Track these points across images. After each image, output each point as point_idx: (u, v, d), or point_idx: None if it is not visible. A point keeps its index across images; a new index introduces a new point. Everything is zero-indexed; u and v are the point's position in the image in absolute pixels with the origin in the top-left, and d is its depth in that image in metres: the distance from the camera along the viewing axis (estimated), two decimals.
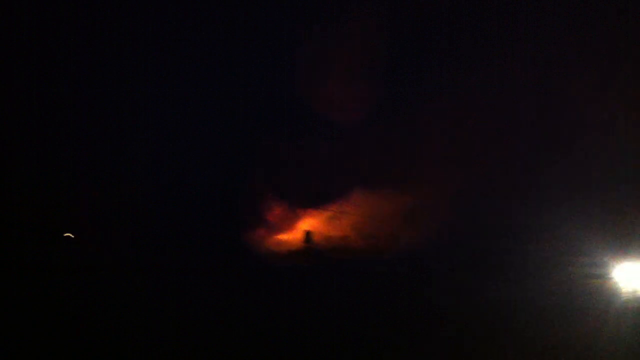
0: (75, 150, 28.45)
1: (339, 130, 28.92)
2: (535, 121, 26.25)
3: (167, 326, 11.28)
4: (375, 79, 28.55)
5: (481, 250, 22.12)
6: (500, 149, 25.68)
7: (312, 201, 29.07)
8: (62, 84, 28.73)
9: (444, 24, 28.39)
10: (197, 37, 30.72)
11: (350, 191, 28.24)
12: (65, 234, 25.78)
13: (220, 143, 29.05)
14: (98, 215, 27.74)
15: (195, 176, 28.34)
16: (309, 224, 28.74)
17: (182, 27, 30.48)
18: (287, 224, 28.90)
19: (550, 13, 25.95)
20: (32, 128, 27.60)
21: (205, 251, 24.49)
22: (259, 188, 28.39)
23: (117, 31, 29.57)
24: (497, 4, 27.17)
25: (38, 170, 27.08)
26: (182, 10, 30.64)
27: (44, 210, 25.98)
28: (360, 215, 27.62)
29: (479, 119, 26.48)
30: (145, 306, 13.81)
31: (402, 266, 22.05)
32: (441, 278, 19.54)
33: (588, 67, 24.38)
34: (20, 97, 27.62)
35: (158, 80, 29.64)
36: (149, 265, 22.44)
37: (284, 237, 28.62)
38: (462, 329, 10.99)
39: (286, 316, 12.35)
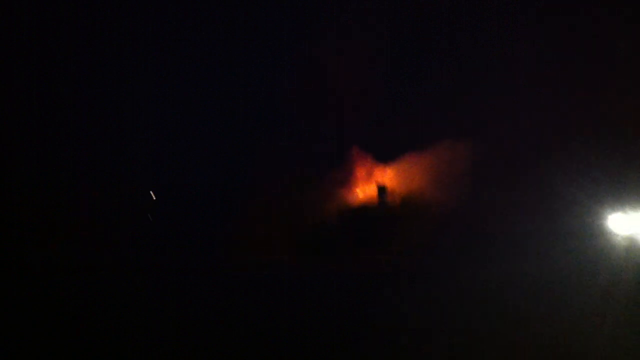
0: (75, 150, 28.45)
1: None
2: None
3: (167, 326, 11.29)
4: (376, 78, 28.53)
5: (475, 201, 22.01)
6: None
7: (383, 155, 28.59)
8: (62, 84, 28.76)
9: (443, 24, 28.37)
10: (197, 37, 30.74)
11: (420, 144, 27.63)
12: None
13: (221, 142, 29.03)
14: (98, 214, 27.75)
15: (196, 175, 28.36)
16: (381, 179, 28.24)
17: (182, 27, 30.51)
18: (358, 179, 28.40)
19: (550, 13, 25.93)
20: (32, 128, 27.61)
21: (206, 251, 24.48)
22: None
23: (117, 31, 29.59)
24: (497, 4, 27.13)
25: (37, 170, 27.09)
26: (182, 10, 30.68)
27: (44, 210, 25.99)
28: (433, 166, 26.85)
29: None
30: (145, 306, 13.82)
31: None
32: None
33: (587, 67, 24.34)
34: (20, 97, 27.64)
35: (158, 80, 29.68)
36: (149, 265, 22.44)
37: (356, 193, 28.09)
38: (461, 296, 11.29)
39: (286, 317, 12.37)
